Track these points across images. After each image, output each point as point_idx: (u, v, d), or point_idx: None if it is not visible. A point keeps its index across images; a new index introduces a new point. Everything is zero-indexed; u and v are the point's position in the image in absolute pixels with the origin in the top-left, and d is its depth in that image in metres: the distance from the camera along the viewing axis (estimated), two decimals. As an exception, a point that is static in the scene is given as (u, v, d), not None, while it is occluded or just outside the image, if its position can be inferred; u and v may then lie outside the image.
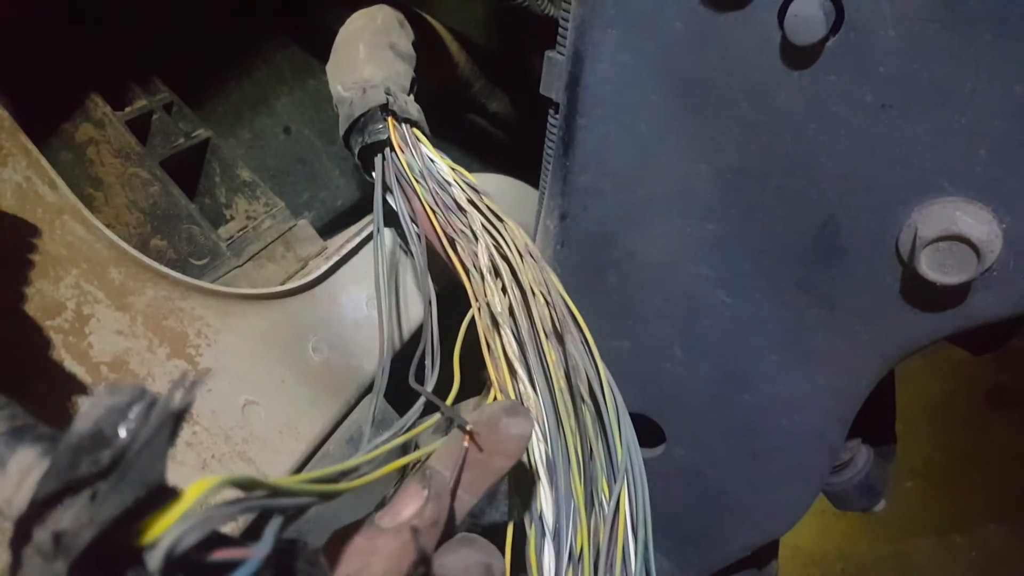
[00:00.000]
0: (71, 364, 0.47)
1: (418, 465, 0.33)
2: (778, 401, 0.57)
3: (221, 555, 0.19)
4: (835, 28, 0.43)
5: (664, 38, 0.48)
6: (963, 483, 1.56)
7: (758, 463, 0.60)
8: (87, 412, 0.19)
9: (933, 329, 0.49)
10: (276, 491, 0.21)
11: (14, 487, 0.21)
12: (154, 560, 0.19)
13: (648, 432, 0.62)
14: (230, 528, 0.42)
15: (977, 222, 0.43)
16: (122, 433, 0.18)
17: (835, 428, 0.57)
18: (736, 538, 0.65)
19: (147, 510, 0.18)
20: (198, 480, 0.18)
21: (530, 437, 0.32)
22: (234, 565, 0.19)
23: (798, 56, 0.44)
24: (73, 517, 0.19)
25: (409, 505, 0.29)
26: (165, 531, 0.18)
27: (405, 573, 0.28)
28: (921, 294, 0.48)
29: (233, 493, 0.20)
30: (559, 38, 0.52)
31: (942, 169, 0.44)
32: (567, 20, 0.51)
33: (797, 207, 0.49)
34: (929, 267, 0.44)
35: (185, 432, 0.50)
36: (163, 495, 0.19)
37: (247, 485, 0.20)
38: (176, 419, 0.18)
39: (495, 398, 0.46)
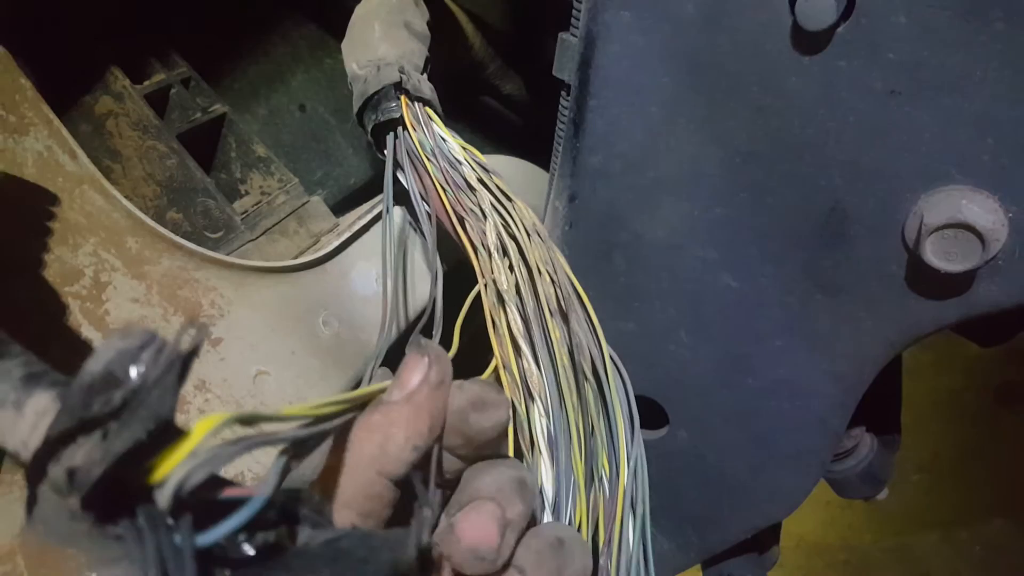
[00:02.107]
0: (88, 329, 0.48)
1: None
2: (781, 386, 0.57)
3: (228, 493, 0.20)
4: (846, 14, 0.43)
5: (676, 21, 0.48)
6: (969, 478, 1.55)
7: (760, 447, 0.61)
8: (99, 354, 0.20)
9: (937, 317, 0.49)
10: (281, 421, 0.21)
11: (30, 429, 0.22)
12: (163, 496, 0.19)
13: (651, 414, 0.62)
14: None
15: (983, 211, 0.43)
16: (133, 374, 0.19)
17: (838, 414, 0.57)
18: (737, 521, 0.65)
19: (157, 448, 0.19)
20: (205, 417, 0.19)
21: (506, 423, 0.32)
22: (240, 503, 0.20)
23: (808, 41, 0.44)
24: (85, 454, 0.19)
25: (414, 374, 0.30)
26: (174, 469, 0.19)
27: (425, 435, 0.29)
28: (926, 282, 0.48)
29: (240, 431, 0.21)
30: (572, 20, 0.53)
31: (950, 157, 0.44)
32: (580, 2, 0.51)
33: (805, 192, 0.50)
34: (934, 254, 0.45)
35: (197, 399, 0.51)
36: (172, 434, 0.20)
37: (251, 420, 0.21)
38: (185, 361, 0.19)
39: (494, 371, 0.46)
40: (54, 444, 0.20)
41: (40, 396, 0.23)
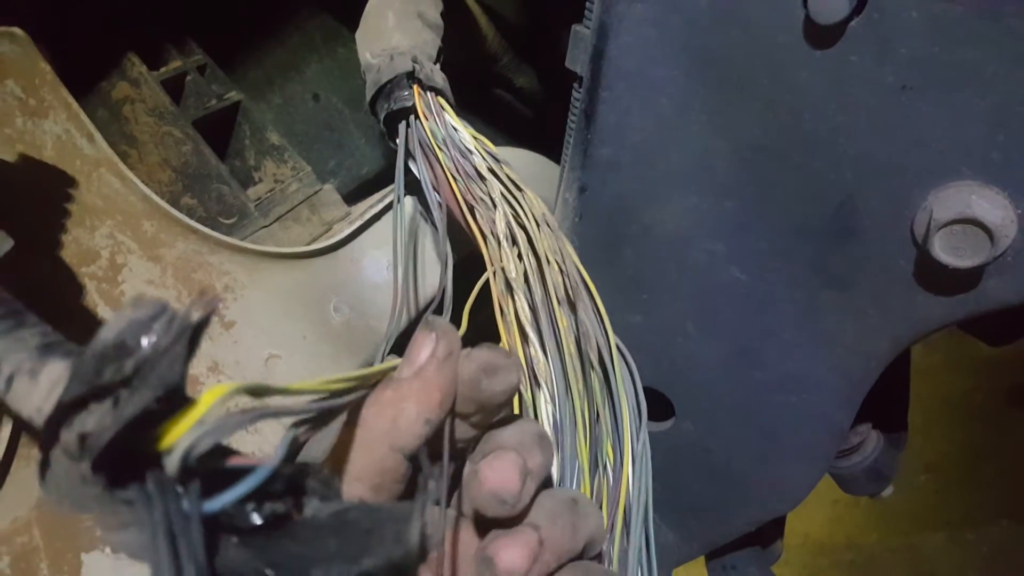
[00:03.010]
0: (103, 309, 0.49)
1: None
2: (788, 380, 0.58)
3: (235, 462, 0.21)
4: (859, 8, 0.43)
5: (688, 13, 0.48)
6: (977, 479, 1.54)
7: (766, 440, 0.61)
8: (112, 324, 0.20)
9: (945, 313, 0.49)
10: (288, 393, 0.22)
11: (44, 396, 0.23)
12: (171, 463, 0.20)
13: (658, 406, 0.63)
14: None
15: (992, 206, 0.43)
16: (144, 344, 0.20)
17: (843, 409, 0.57)
18: (741, 513, 0.66)
19: (166, 415, 0.20)
20: (213, 387, 0.20)
21: (517, 386, 0.32)
22: (247, 471, 0.21)
23: (821, 35, 0.45)
24: (97, 420, 0.20)
25: (422, 350, 0.30)
26: (182, 436, 0.20)
27: (436, 408, 0.29)
28: (934, 277, 0.48)
29: (248, 402, 0.21)
30: (586, 11, 0.53)
31: (960, 153, 0.44)
32: (594, -7, 0.51)
33: (814, 187, 0.50)
34: (942, 250, 0.45)
35: (210, 380, 0.52)
36: (181, 401, 0.20)
37: (260, 392, 0.21)
38: (195, 331, 0.20)
39: None
40: (67, 410, 0.20)
41: (54, 365, 0.23)
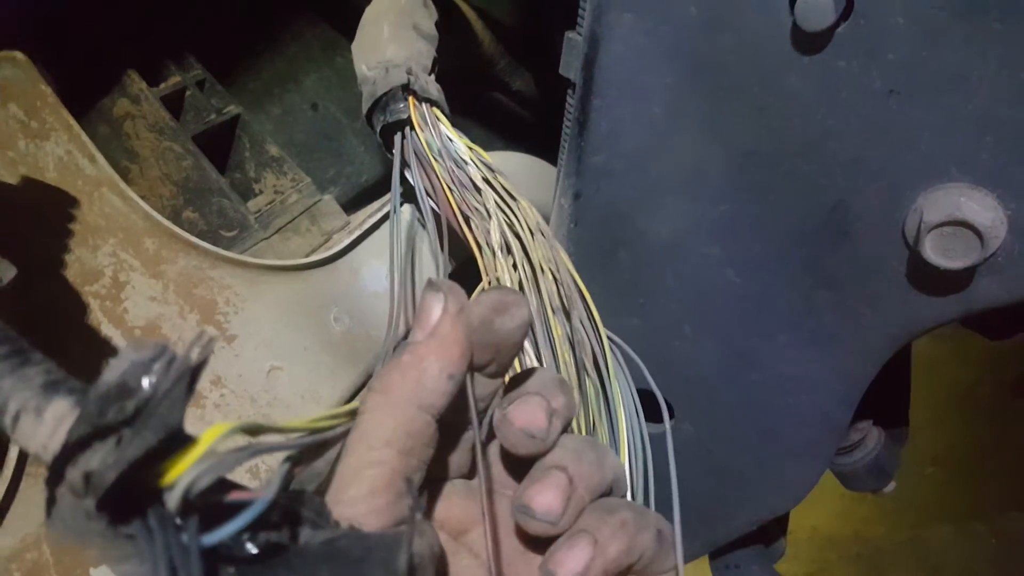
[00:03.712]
0: (107, 328, 0.50)
1: None
2: (785, 380, 0.58)
3: (234, 496, 0.22)
4: (845, 15, 0.43)
5: (678, 22, 0.49)
6: (984, 471, 1.54)
7: (765, 441, 0.61)
8: (114, 365, 0.21)
9: (938, 313, 0.50)
10: (283, 432, 0.23)
11: (49, 433, 0.24)
12: (173, 499, 0.21)
13: (657, 408, 0.63)
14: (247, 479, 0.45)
15: (982, 208, 0.44)
16: (145, 384, 0.21)
17: (841, 408, 0.58)
18: (742, 513, 0.66)
19: (167, 453, 0.21)
20: (212, 426, 0.21)
21: (530, 320, 0.32)
22: (245, 505, 0.22)
23: (808, 42, 0.45)
24: (101, 459, 0.21)
25: (432, 310, 0.30)
26: (183, 473, 0.21)
27: (457, 362, 0.30)
28: (926, 278, 0.48)
29: (244, 440, 0.22)
30: (578, 19, 0.53)
31: (949, 155, 0.44)
32: (585, 2, 0.52)
33: (807, 190, 0.50)
34: (933, 251, 0.45)
35: (213, 394, 0.53)
36: (181, 440, 0.21)
37: (255, 430, 0.22)
38: (194, 372, 0.21)
39: None
40: (72, 449, 0.21)
41: (59, 403, 0.24)
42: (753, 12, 0.46)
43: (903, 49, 0.43)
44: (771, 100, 0.48)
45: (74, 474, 0.21)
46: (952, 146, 0.44)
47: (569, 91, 0.57)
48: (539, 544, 0.33)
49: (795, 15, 0.44)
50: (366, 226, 0.64)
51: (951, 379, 1.58)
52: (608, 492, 0.35)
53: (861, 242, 0.50)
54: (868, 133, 0.46)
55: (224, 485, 0.23)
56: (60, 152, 0.53)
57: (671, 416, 0.64)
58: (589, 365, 0.48)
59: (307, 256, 0.64)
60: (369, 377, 0.61)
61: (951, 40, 0.41)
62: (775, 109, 0.48)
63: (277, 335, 0.57)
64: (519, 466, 0.34)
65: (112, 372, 0.21)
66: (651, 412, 0.55)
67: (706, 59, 0.49)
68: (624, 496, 0.38)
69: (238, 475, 0.23)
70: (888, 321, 0.52)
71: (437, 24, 0.65)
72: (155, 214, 0.54)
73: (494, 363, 0.32)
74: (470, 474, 0.36)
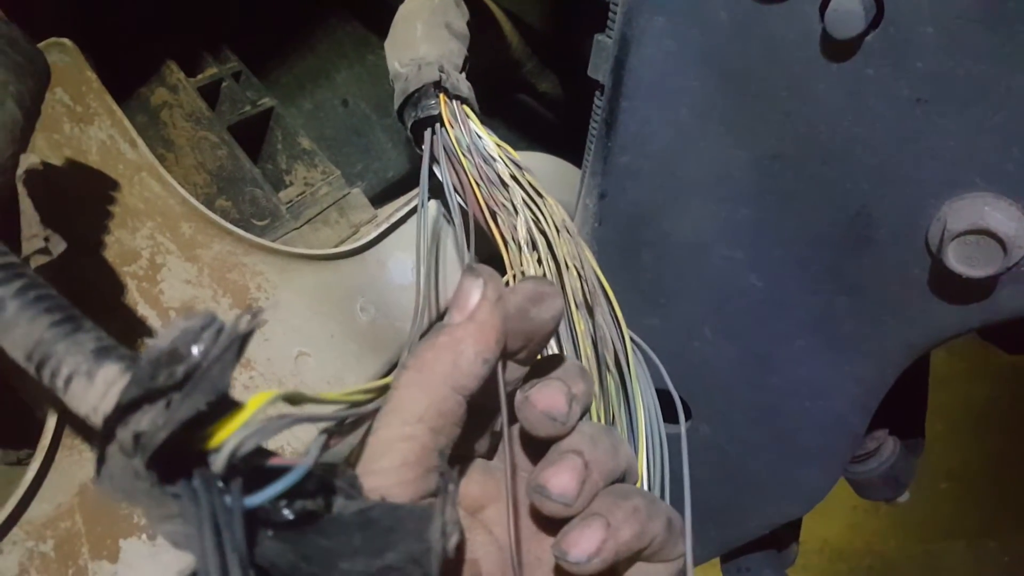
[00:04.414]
0: (143, 307, 0.51)
1: None
2: (804, 385, 0.59)
3: (274, 462, 0.23)
4: (874, 23, 0.44)
5: (708, 27, 0.49)
6: (999, 487, 1.53)
7: (781, 444, 0.62)
8: (165, 332, 0.22)
9: (959, 321, 0.50)
10: (323, 403, 0.24)
11: (100, 396, 0.25)
12: (218, 461, 0.22)
13: (674, 408, 0.64)
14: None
15: (1006, 218, 0.44)
16: (195, 351, 0.22)
17: (858, 415, 0.58)
18: (756, 516, 0.67)
19: (214, 418, 0.22)
20: (257, 394, 0.22)
21: (563, 311, 0.33)
22: (284, 471, 0.23)
23: (837, 49, 0.45)
24: (151, 420, 0.22)
25: (471, 295, 0.31)
26: (229, 436, 0.22)
27: (493, 348, 0.31)
28: (948, 286, 0.49)
29: (286, 408, 0.23)
30: (608, 22, 0.54)
31: (974, 165, 0.45)
32: (616, 6, 0.53)
33: (831, 196, 0.51)
34: (956, 260, 0.46)
35: (243, 376, 0.54)
36: (228, 406, 0.22)
37: (297, 399, 0.23)
38: (242, 340, 0.22)
39: None
40: (123, 410, 0.22)
41: (109, 367, 0.25)
42: (783, 18, 0.46)
43: (931, 58, 0.43)
44: (798, 106, 0.49)
45: (125, 434, 0.22)
46: (977, 156, 0.44)
47: (597, 92, 0.57)
48: (552, 525, 0.34)
49: (825, 22, 0.44)
50: (393, 219, 0.65)
51: (967, 395, 1.56)
52: (621, 479, 0.36)
53: (884, 249, 0.50)
54: (894, 141, 0.46)
55: (264, 452, 0.24)
56: (103, 136, 0.54)
57: (688, 417, 0.65)
58: (611, 362, 0.49)
59: (336, 247, 0.66)
60: (393, 367, 0.62)
61: (979, 50, 0.42)
62: (802, 115, 0.49)
63: (306, 322, 0.58)
64: (536, 449, 0.35)
65: (163, 338, 0.22)
66: (668, 412, 0.56)
67: (735, 64, 0.50)
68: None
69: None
70: (908, 328, 0.52)
71: (469, 24, 0.66)
72: (192, 199, 0.55)
73: (525, 350, 0.33)
74: (488, 454, 0.37)
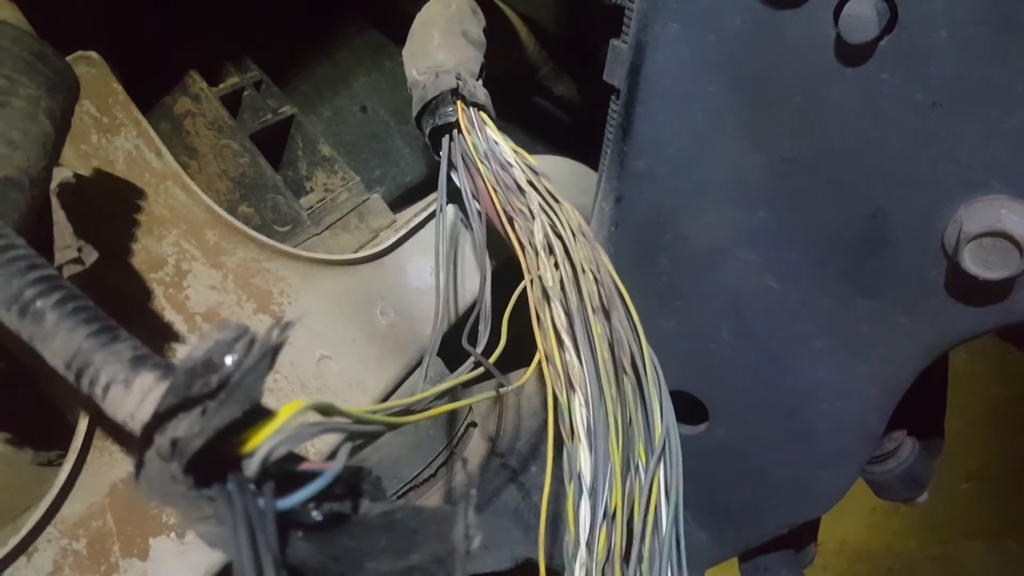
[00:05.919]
0: (170, 313, 0.53)
1: (468, 415, 0.37)
2: (821, 386, 0.59)
3: (305, 467, 0.24)
4: (889, 28, 0.44)
5: (723, 33, 0.50)
6: (1019, 489, 1.51)
7: (799, 445, 0.62)
8: (200, 344, 0.23)
9: (975, 323, 0.50)
10: (349, 417, 0.25)
11: (137, 403, 0.26)
12: (252, 466, 0.23)
13: (692, 410, 0.64)
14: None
15: (1022, 220, 0.44)
16: (228, 362, 0.23)
17: (876, 416, 0.58)
18: (773, 516, 0.67)
19: (247, 425, 0.23)
20: (289, 403, 0.23)
21: None
22: (314, 475, 0.24)
23: (852, 54, 0.46)
24: (187, 427, 0.23)
25: None
26: (262, 442, 0.23)
27: None
28: (964, 288, 0.49)
29: (316, 417, 0.24)
30: (624, 28, 0.55)
31: (989, 168, 0.45)
32: (631, 12, 0.53)
33: (847, 199, 0.51)
34: (972, 262, 0.46)
35: (267, 379, 0.55)
36: (260, 413, 0.23)
37: (327, 410, 0.24)
38: (274, 352, 0.23)
39: (538, 363, 0.49)
40: (161, 417, 0.23)
41: (146, 376, 0.26)
42: (797, 24, 0.47)
43: (945, 63, 0.43)
44: (813, 110, 0.49)
45: (162, 440, 0.23)
46: (993, 159, 0.45)
47: (612, 97, 0.58)
48: None
49: (839, 28, 0.45)
50: (412, 224, 0.66)
51: (987, 396, 1.55)
52: None
53: (900, 251, 0.50)
54: (909, 144, 0.47)
55: (295, 458, 0.25)
56: (129, 146, 0.56)
57: (705, 419, 0.65)
58: (627, 365, 0.50)
59: (355, 252, 0.67)
60: (411, 370, 0.63)
61: (993, 55, 0.42)
62: (817, 119, 0.49)
63: (327, 326, 0.59)
64: None
65: (198, 349, 0.23)
66: (683, 414, 0.56)
67: (749, 69, 0.50)
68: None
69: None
70: (925, 330, 0.53)
71: (485, 30, 0.67)
72: (216, 207, 0.57)
73: None
74: None
